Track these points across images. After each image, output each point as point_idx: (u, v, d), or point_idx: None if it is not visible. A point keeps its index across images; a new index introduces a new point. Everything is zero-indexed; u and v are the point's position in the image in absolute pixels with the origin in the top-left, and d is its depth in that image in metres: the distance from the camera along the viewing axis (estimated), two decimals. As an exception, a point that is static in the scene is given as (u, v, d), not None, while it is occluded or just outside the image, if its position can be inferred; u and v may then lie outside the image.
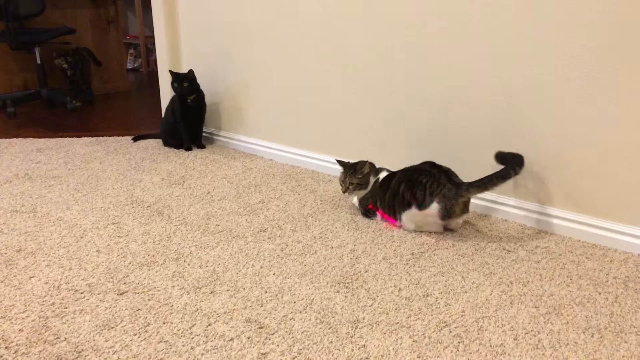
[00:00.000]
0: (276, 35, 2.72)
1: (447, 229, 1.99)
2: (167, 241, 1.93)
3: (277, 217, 2.14)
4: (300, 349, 1.34)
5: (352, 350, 1.34)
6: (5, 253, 1.84)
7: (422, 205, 1.91)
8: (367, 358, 1.31)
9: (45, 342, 1.37)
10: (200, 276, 1.69)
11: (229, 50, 2.98)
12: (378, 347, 1.35)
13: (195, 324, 1.44)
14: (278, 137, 2.89)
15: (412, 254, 1.84)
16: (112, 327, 1.43)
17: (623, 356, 1.32)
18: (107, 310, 1.51)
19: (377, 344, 1.37)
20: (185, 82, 2.92)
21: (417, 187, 1.93)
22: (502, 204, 2.13)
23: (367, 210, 2.13)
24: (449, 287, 1.63)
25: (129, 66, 6.49)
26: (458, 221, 1.98)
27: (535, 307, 1.53)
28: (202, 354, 1.33)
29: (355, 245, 1.91)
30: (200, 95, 3.04)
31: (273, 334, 1.40)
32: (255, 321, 1.46)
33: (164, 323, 1.45)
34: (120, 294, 1.59)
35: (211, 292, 1.60)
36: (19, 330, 1.42)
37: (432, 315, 1.49)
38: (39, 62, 4.24)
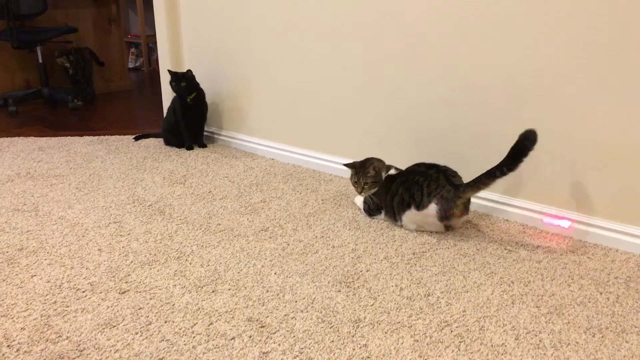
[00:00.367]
0: (278, 35, 2.72)
1: (447, 228, 1.99)
2: (168, 240, 1.93)
3: (278, 217, 2.14)
4: (302, 348, 1.35)
5: (354, 349, 1.34)
6: (7, 252, 1.84)
7: (420, 206, 1.91)
8: (368, 357, 1.31)
9: (47, 340, 1.37)
10: (201, 275, 1.69)
11: (230, 49, 2.98)
12: (379, 347, 1.35)
13: (196, 323, 1.45)
14: (279, 136, 2.89)
15: (414, 253, 1.84)
16: (114, 326, 1.43)
17: (624, 356, 1.32)
18: (109, 309, 1.51)
19: (378, 343, 1.37)
20: (183, 82, 2.93)
21: (414, 188, 1.93)
22: (504, 204, 2.13)
23: (371, 209, 2.13)
24: (450, 287, 1.63)
25: (131, 65, 6.49)
26: (458, 220, 1.98)
27: (537, 306, 1.53)
28: (204, 353, 1.33)
29: (356, 244, 1.91)
30: (200, 94, 3.04)
31: (274, 333, 1.41)
32: (257, 320, 1.46)
33: (165, 322, 1.45)
34: (122, 293, 1.59)
35: (213, 291, 1.60)
36: (21, 328, 1.42)
37: (433, 315, 1.49)
38: (40, 61, 4.24)
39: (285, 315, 1.48)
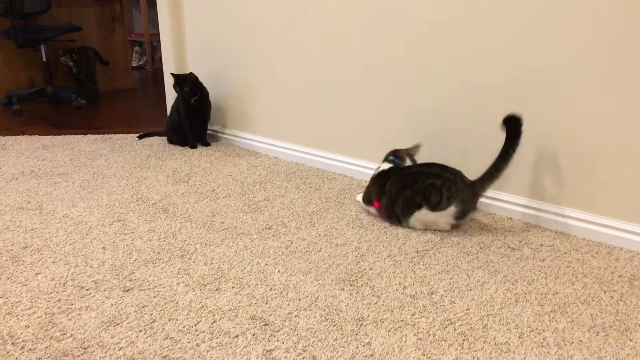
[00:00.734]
0: (281, 34, 2.72)
1: (454, 225, 1.99)
2: (172, 238, 1.94)
3: (281, 215, 2.14)
4: (305, 346, 1.35)
5: (357, 347, 1.34)
6: (12, 250, 1.85)
7: (437, 207, 1.91)
8: (371, 355, 1.32)
9: (52, 338, 1.38)
10: (205, 273, 1.70)
11: (233, 48, 2.99)
12: (383, 345, 1.35)
13: (200, 321, 1.45)
14: (283, 134, 2.89)
15: (417, 251, 1.84)
16: (118, 324, 1.44)
17: (628, 354, 1.32)
18: (113, 306, 1.52)
19: (381, 341, 1.37)
20: (186, 86, 2.93)
21: (429, 191, 1.92)
22: (507, 202, 2.13)
23: (369, 206, 2.13)
24: (453, 285, 1.63)
25: (134, 64, 6.50)
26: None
27: (540, 305, 1.53)
28: (208, 351, 1.33)
29: (360, 242, 1.91)
30: (203, 94, 3.04)
31: (278, 331, 1.41)
32: (260, 318, 1.46)
33: (169, 320, 1.46)
34: (126, 291, 1.60)
35: (216, 289, 1.60)
36: (25, 326, 1.43)
37: (436, 313, 1.49)
38: (44, 59, 4.25)
39: (288, 313, 1.49)
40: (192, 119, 3.04)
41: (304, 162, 2.79)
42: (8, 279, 1.66)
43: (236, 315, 1.48)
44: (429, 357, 1.31)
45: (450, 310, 1.50)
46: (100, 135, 3.33)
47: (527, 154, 2.03)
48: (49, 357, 1.31)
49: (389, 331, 1.41)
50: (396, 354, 1.32)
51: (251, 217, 2.12)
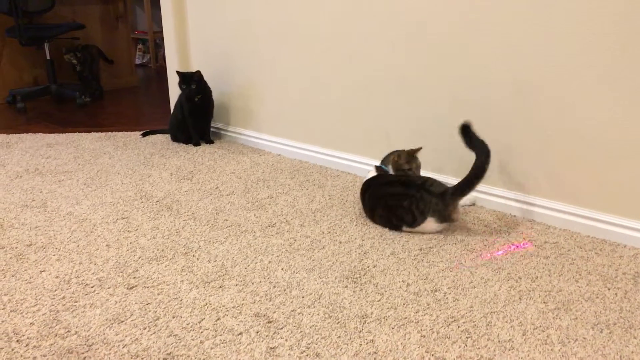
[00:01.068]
0: (283, 31, 2.72)
1: (444, 227, 1.97)
2: (176, 236, 1.94)
3: (285, 212, 2.14)
4: (309, 344, 1.35)
5: (360, 345, 1.35)
6: (16, 247, 1.86)
7: (414, 224, 1.91)
8: (375, 352, 1.32)
9: (56, 335, 1.38)
10: (209, 271, 1.70)
11: (237, 45, 2.98)
12: (386, 342, 1.35)
13: (204, 318, 1.45)
14: (286, 132, 2.89)
15: (420, 249, 1.84)
16: (122, 321, 1.44)
17: (632, 352, 1.32)
18: (117, 304, 1.52)
19: (385, 338, 1.37)
20: (193, 84, 2.93)
21: (400, 211, 1.91)
22: (511, 199, 2.12)
23: None
24: (457, 283, 1.63)
25: (138, 62, 6.50)
26: (458, 215, 1.96)
27: (544, 302, 1.53)
28: (211, 348, 1.33)
29: (363, 240, 1.91)
30: (207, 92, 3.04)
31: (282, 328, 1.41)
32: (264, 315, 1.46)
33: (173, 317, 1.46)
34: (130, 288, 1.60)
35: (220, 287, 1.61)
36: (30, 323, 1.43)
37: (440, 311, 1.49)
38: (48, 57, 4.26)
39: (292, 310, 1.49)
40: (195, 116, 3.04)
41: (308, 160, 2.79)
42: (13, 276, 1.67)
43: (240, 312, 1.48)
44: (432, 354, 1.31)
45: (454, 308, 1.50)
46: (104, 133, 3.34)
47: (530, 151, 2.02)
48: (53, 354, 1.31)
49: (393, 328, 1.41)
50: (400, 351, 1.32)
51: (255, 215, 2.12)
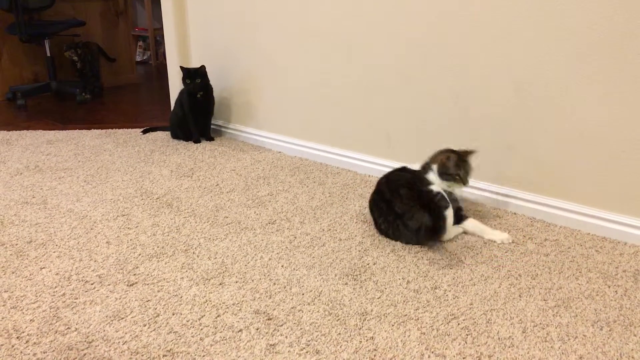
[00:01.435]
0: (285, 28, 2.72)
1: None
2: (176, 233, 1.94)
3: (285, 210, 2.14)
4: (309, 341, 1.35)
5: (360, 342, 1.35)
6: (16, 244, 1.86)
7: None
8: (375, 350, 1.32)
9: (56, 332, 1.39)
10: (209, 268, 1.70)
11: (237, 42, 2.98)
12: (386, 339, 1.35)
13: (204, 315, 1.45)
14: (287, 129, 2.89)
15: (420, 246, 1.84)
16: (122, 318, 1.44)
17: (632, 349, 1.32)
18: (117, 301, 1.52)
19: (385, 335, 1.37)
20: (198, 79, 2.93)
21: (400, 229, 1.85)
22: (511, 197, 2.12)
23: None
24: (457, 280, 1.63)
25: (138, 59, 6.49)
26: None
27: (544, 300, 1.53)
28: (211, 345, 1.34)
29: (363, 237, 1.91)
30: (209, 89, 3.04)
31: (281, 325, 1.41)
32: (264, 312, 1.46)
33: (173, 314, 1.46)
34: (130, 285, 1.60)
35: (220, 284, 1.61)
36: (30, 320, 1.43)
37: (440, 308, 1.49)
38: (48, 54, 4.26)
39: (292, 307, 1.49)
40: (196, 113, 3.04)
41: (308, 157, 2.79)
42: (13, 273, 1.67)
43: (240, 309, 1.48)
44: (432, 352, 1.31)
45: (454, 305, 1.50)
46: (104, 130, 3.34)
47: (530, 149, 2.02)
48: (53, 351, 1.32)
49: (393, 326, 1.41)
50: (400, 348, 1.32)
51: (255, 212, 2.12)
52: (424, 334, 1.38)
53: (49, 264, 1.72)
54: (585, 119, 1.88)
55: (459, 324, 1.42)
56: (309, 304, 1.51)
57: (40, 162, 2.72)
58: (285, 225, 2.01)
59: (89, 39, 4.63)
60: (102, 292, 1.56)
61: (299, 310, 1.47)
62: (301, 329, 1.40)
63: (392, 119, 2.42)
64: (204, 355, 1.30)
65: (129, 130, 3.34)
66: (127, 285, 1.60)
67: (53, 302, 1.52)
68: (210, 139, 3.13)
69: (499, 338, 1.36)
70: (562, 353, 1.31)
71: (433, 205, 1.80)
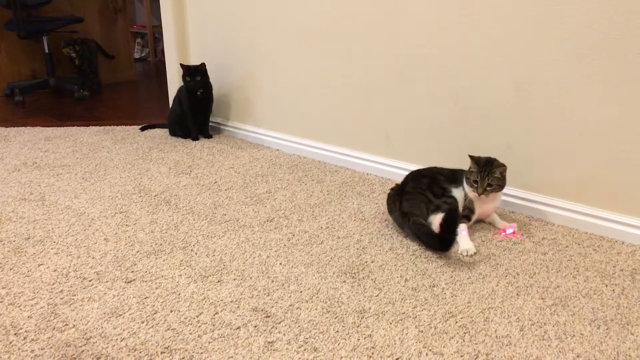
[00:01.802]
0: (283, 26, 2.71)
1: None
2: (174, 230, 1.94)
3: (283, 207, 2.14)
4: (307, 338, 1.35)
5: (358, 339, 1.35)
6: (14, 241, 1.85)
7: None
8: (373, 347, 1.32)
9: (54, 329, 1.38)
10: (207, 265, 1.70)
11: (236, 40, 2.98)
12: (384, 337, 1.36)
13: (202, 313, 1.45)
14: (285, 127, 2.89)
15: (419, 244, 1.84)
16: (120, 315, 1.44)
17: (629, 348, 1.32)
18: (115, 298, 1.52)
19: (383, 333, 1.37)
20: (198, 76, 2.93)
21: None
22: (509, 196, 2.12)
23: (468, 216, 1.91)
24: (455, 278, 1.63)
25: (136, 55, 6.49)
26: None
27: (542, 298, 1.53)
28: (209, 342, 1.34)
29: (361, 235, 1.91)
30: (208, 86, 3.04)
31: (279, 323, 1.41)
32: (262, 310, 1.46)
33: (171, 311, 1.46)
34: (128, 282, 1.60)
35: (218, 281, 1.61)
36: (28, 317, 1.43)
37: (438, 306, 1.49)
38: (47, 51, 4.25)
39: (290, 305, 1.49)
40: (195, 111, 3.04)
41: (306, 155, 2.79)
42: (11, 269, 1.67)
43: (238, 307, 1.48)
44: (430, 350, 1.31)
45: (452, 303, 1.50)
46: (102, 127, 3.33)
47: (528, 149, 2.02)
48: (51, 347, 1.31)
49: (391, 324, 1.41)
50: (397, 346, 1.33)
51: (253, 210, 2.12)
52: (422, 332, 1.38)
53: (47, 261, 1.72)
54: (585, 119, 1.88)
55: (456, 322, 1.42)
56: (307, 301, 1.51)
57: (38, 158, 2.72)
58: (284, 222, 2.01)
59: (87, 35, 4.62)
60: (100, 289, 1.56)
61: (297, 308, 1.47)
62: (299, 326, 1.40)
63: (391, 117, 2.42)
64: (201, 352, 1.30)
65: (127, 127, 3.34)
66: (125, 282, 1.60)
67: (51, 298, 1.51)
68: (209, 136, 3.13)
69: (496, 336, 1.36)
70: (560, 351, 1.31)
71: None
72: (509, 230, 1.91)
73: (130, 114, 3.78)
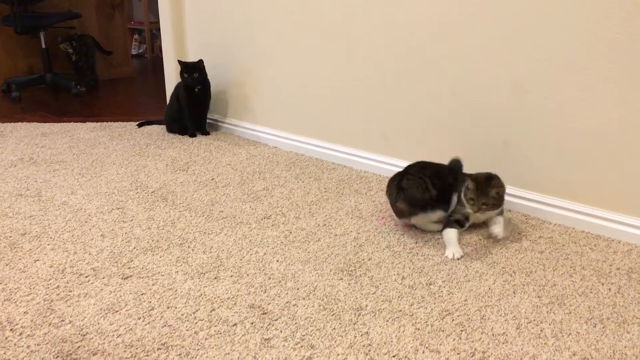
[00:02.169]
0: (281, 23, 2.71)
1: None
2: (171, 227, 1.94)
3: (281, 205, 2.14)
4: (303, 335, 1.35)
5: (355, 337, 1.35)
6: (10, 236, 1.85)
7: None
8: (369, 345, 1.32)
9: (50, 324, 1.38)
10: (204, 262, 1.70)
11: (234, 37, 2.97)
12: (380, 334, 1.36)
13: (199, 309, 1.45)
14: (283, 124, 2.89)
15: (416, 242, 1.84)
16: (117, 311, 1.44)
17: (625, 346, 1.33)
18: (112, 294, 1.52)
19: (379, 331, 1.37)
20: (196, 73, 2.92)
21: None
22: (507, 194, 2.12)
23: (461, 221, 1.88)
24: (452, 276, 1.63)
25: (134, 52, 6.47)
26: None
27: (538, 296, 1.53)
28: (206, 339, 1.33)
29: (358, 233, 1.91)
30: (206, 83, 3.03)
31: (276, 319, 1.41)
32: (259, 307, 1.46)
33: (168, 307, 1.46)
34: (125, 278, 1.60)
35: (215, 278, 1.61)
36: (24, 312, 1.43)
37: (434, 304, 1.49)
38: (44, 46, 4.23)
39: (287, 302, 1.49)
40: (192, 107, 3.03)
41: (304, 152, 2.79)
42: (7, 265, 1.66)
43: (235, 303, 1.48)
44: (426, 347, 1.31)
45: (449, 301, 1.50)
46: (99, 123, 3.32)
47: (526, 147, 2.03)
48: (47, 343, 1.31)
49: (387, 321, 1.41)
50: (394, 343, 1.33)
51: (250, 207, 2.12)
52: (419, 329, 1.38)
53: (43, 257, 1.72)
54: (583, 118, 1.89)
55: (453, 320, 1.42)
56: (303, 298, 1.51)
57: (34, 154, 2.71)
58: (281, 220, 2.00)
59: (84, 31, 4.60)
60: (96, 285, 1.56)
61: (293, 305, 1.47)
62: (296, 323, 1.40)
63: (389, 115, 2.42)
64: (198, 349, 1.30)
65: (124, 123, 3.33)
66: (122, 279, 1.60)
67: (47, 294, 1.51)
68: (206, 133, 3.13)
69: (493, 334, 1.37)
70: (556, 349, 1.31)
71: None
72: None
73: (127, 110, 3.77)
